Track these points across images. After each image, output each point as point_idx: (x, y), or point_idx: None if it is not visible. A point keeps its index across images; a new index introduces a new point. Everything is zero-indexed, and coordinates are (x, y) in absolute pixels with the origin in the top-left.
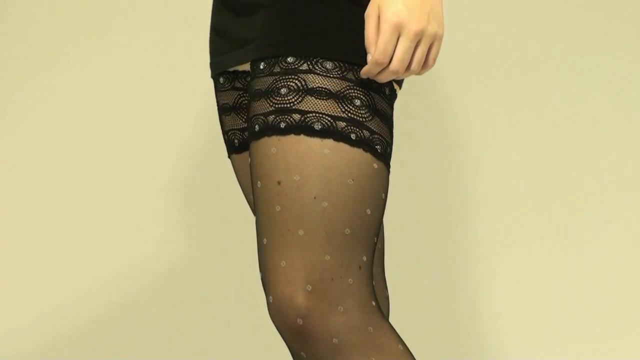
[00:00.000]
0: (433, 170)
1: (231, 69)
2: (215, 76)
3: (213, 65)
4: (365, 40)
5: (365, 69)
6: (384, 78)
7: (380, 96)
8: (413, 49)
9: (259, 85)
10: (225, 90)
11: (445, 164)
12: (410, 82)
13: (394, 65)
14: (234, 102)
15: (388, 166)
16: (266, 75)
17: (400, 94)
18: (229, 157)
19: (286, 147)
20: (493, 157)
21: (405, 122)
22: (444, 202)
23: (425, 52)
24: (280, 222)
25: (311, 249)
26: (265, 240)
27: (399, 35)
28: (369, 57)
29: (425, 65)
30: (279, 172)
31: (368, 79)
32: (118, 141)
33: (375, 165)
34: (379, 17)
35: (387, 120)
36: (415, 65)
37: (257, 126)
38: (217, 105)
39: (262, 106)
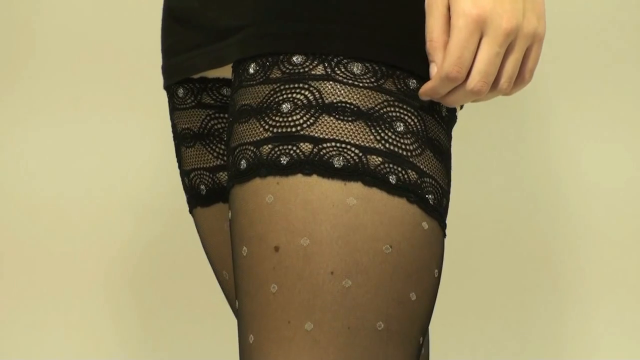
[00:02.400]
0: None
1: (197, 76)
2: (170, 86)
3: (168, 69)
4: (427, 44)
5: (427, 86)
6: (456, 101)
7: (435, 119)
8: (502, 55)
9: (247, 99)
10: (187, 109)
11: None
12: None
13: (474, 81)
14: (201, 126)
15: (443, 226)
16: (259, 84)
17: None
18: (190, 212)
19: (289, 194)
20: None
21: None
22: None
23: (520, 59)
24: (276, 309)
25: (324, 353)
26: (251, 338)
27: (481, 35)
28: (433, 69)
29: (519, 80)
30: (278, 233)
31: (413, 94)
32: (118, 141)
33: (426, 225)
34: (448, 7)
35: (443, 156)
36: (505, 80)
37: (243, 162)
38: (173, 131)
39: (252, 131)
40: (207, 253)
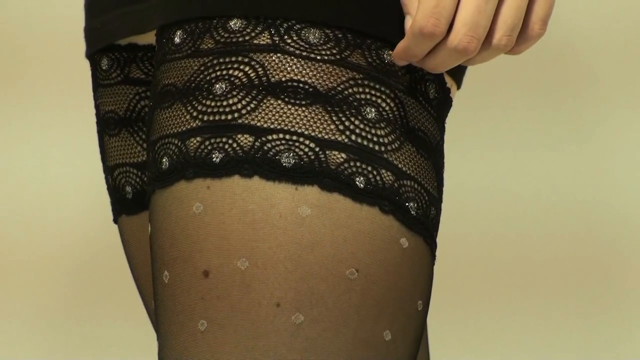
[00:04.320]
0: None
1: (124, 42)
2: (93, 56)
3: (89, 33)
4: None
5: (399, 46)
6: (439, 64)
7: (420, 103)
8: (495, 2)
9: (171, 77)
10: (111, 85)
11: None
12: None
13: (458, 35)
14: (128, 108)
15: (431, 243)
16: (186, 57)
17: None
18: (115, 221)
19: (223, 202)
20: None
21: None
22: None
23: (524, 5)
24: (205, 353)
25: None
26: None
27: None
28: (408, 23)
29: (525, 32)
30: (208, 252)
31: (396, 67)
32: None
33: (405, 242)
34: None
35: (431, 152)
36: (502, 33)
37: (165, 160)
38: (96, 115)
39: (177, 119)
40: (134, 277)
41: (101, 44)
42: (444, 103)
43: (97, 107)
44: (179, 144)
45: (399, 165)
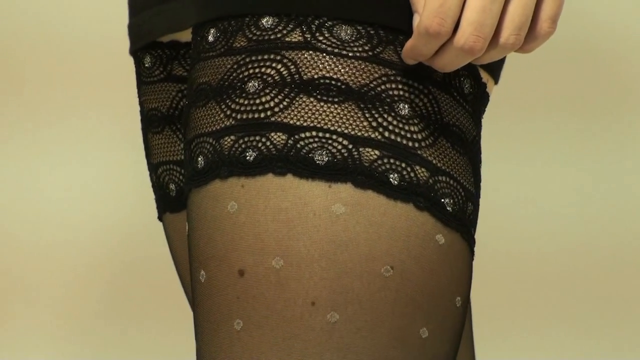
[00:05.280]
0: None
1: (166, 39)
2: (136, 53)
3: (132, 29)
4: None
5: (407, 45)
6: (447, 64)
7: (455, 98)
8: (502, 1)
9: (205, 76)
10: (154, 82)
11: None
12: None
13: (464, 35)
14: (171, 106)
15: (469, 239)
16: (220, 55)
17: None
18: (159, 219)
19: (257, 200)
20: None
21: None
22: None
23: (532, 3)
24: (241, 352)
25: None
26: None
27: None
28: (416, 21)
29: (534, 31)
30: (243, 252)
31: (423, 65)
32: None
33: (442, 239)
34: None
35: (467, 147)
36: (510, 32)
37: (200, 158)
38: (141, 112)
39: (211, 118)
40: (178, 273)
41: (142, 42)
42: (480, 98)
43: (141, 104)
44: (214, 142)
45: (434, 161)
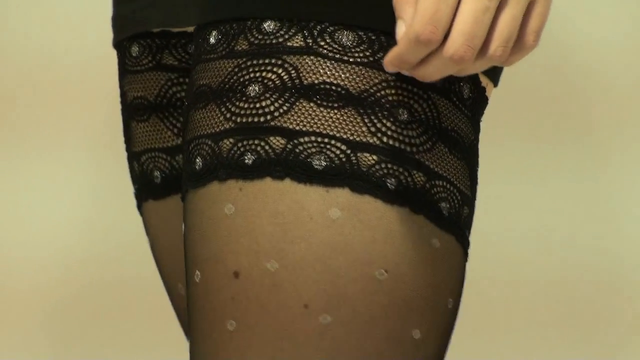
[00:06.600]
0: None
1: (156, 29)
2: (121, 43)
3: (118, 20)
4: None
5: (391, 53)
6: (431, 73)
7: (453, 103)
8: (493, 11)
9: (206, 78)
10: (142, 71)
11: None
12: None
13: (455, 44)
14: (159, 94)
15: (463, 242)
16: (221, 58)
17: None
18: (138, 207)
19: (254, 204)
20: None
21: None
22: None
23: (519, 17)
24: (234, 352)
25: None
26: None
27: None
28: (401, 29)
29: (520, 44)
30: (238, 254)
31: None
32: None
33: (437, 242)
34: None
35: (465, 152)
36: (498, 44)
37: (198, 160)
38: (122, 102)
39: (211, 120)
40: (156, 260)
41: (131, 31)
42: (479, 102)
43: (123, 94)
44: (213, 145)
45: (431, 166)
